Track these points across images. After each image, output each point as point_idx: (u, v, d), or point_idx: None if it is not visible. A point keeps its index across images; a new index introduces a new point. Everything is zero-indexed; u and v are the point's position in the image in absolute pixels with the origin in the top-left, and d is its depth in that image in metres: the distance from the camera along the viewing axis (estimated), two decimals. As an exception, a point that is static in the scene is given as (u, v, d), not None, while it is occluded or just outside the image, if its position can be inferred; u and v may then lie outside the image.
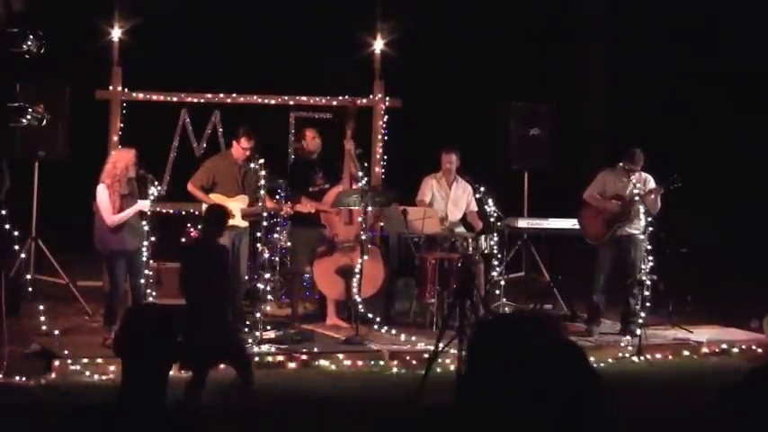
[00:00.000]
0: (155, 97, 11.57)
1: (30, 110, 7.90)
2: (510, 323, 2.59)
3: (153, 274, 9.60)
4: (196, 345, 6.88)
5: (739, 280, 11.81)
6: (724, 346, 10.06)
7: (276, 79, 12.65)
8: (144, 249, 9.20)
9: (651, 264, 10.03)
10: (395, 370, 9.00)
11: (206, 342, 7.10)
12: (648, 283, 9.98)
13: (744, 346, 10.09)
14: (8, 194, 8.28)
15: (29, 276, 10.55)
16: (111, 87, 11.26)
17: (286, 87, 12.02)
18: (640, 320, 9.72)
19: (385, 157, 11.82)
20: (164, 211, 10.99)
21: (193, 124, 11.73)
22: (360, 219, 10.02)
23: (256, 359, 8.61)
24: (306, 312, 10.88)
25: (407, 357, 9.13)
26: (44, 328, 9.32)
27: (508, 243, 11.22)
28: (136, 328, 3.24)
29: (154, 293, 9.48)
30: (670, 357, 9.80)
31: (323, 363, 9.03)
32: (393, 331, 9.94)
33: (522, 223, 11.87)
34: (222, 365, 7.88)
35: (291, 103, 11.94)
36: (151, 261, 9.42)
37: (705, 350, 10.00)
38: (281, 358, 8.93)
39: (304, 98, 11.93)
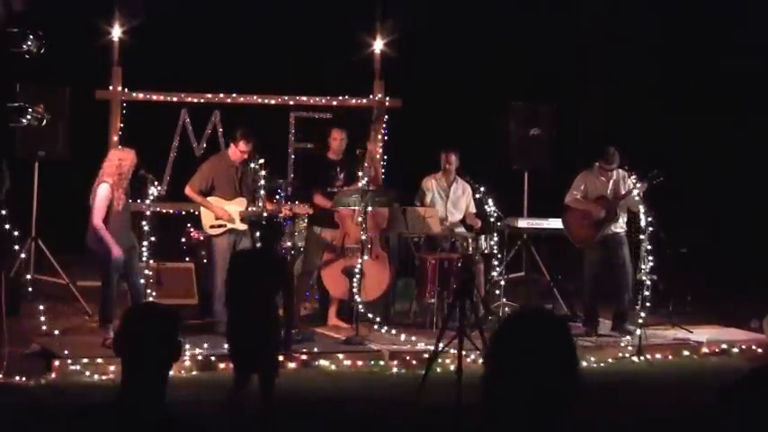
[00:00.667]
0: (155, 97, 11.57)
1: (30, 110, 7.90)
2: (534, 321, 2.58)
3: (153, 274, 9.59)
4: (241, 348, 6.89)
5: (739, 280, 11.80)
6: (724, 346, 10.06)
7: (276, 79, 12.65)
8: (144, 249, 9.20)
9: (651, 264, 10.03)
10: (395, 370, 9.00)
11: (251, 346, 7.05)
12: (648, 283, 9.98)
13: (744, 346, 10.09)
14: (8, 194, 8.29)
15: (29, 276, 10.55)
16: (111, 87, 11.26)
17: (286, 87, 12.02)
18: (640, 320, 9.72)
19: (385, 157, 11.82)
20: (164, 211, 11.00)
21: (193, 124, 11.72)
22: (360, 219, 10.02)
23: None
24: (306, 312, 10.88)
25: (407, 357, 9.14)
26: (44, 328, 9.33)
27: (508, 243, 11.21)
28: (136, 328, 3.24)
29: (154, 293, 9.47)
30: (670, 357, 9.81)
31: (323, 363, 9.03)
32: (393, 331, 9.95)
33: (522, 223, 11.86)
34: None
35: (291, 103, 11.94)
36: (151, 261, 9.42)
37: (705, 350, 10.00)
38: (280, 358, 8.92)
39: (304, 98, 11.93)
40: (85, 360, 8.52)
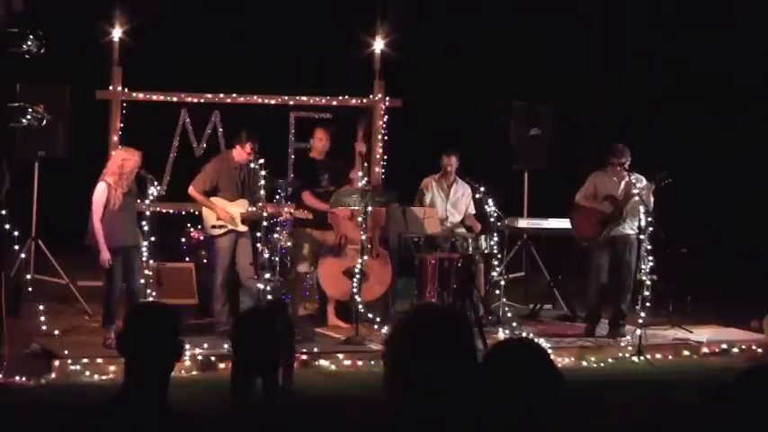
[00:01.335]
0: (155, 97, 11.56)
1: (30, 110, 7.90)
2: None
3: (153, 274, 9.59)
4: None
5: (739, 280, 11.80)
6: (724, 346, 10.06)
7: (276, 79, 12.65)
8: (144, 249, 9.20)
9: (651, 264, 10.02)
10: (395, 370, 8.98)
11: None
12: (648, 283, 9.97)
13: (744, 346, 10.09)
14: (8, 194, 8.29)
15: (29, 276, 10.56)
16: (111, 87, 11.25)
17: (286, 87, 12.02)
18: (640, 320, 9.72)
19: (385, 157, 11.82)
20: (164, 211, 11.00)
21: (193, 124, 11.72)
22: (360, 219, 10.01)
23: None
24: (306, 312, 10.88)
25: (407, 357, 9.12)
26: (44, 328, 9.33)
27: (508, 243, 11.21)
28: (138, 327, 3.24)
29: (154, 293, 9.46)
30: (670, 357, 9.81)
31: (323, 363, 9.03)
32: (393, 331, 9.92)
33: (522, 223, 11.86)
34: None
35: (291, 103, 11.93)
36: (151, 261, 9.41)
37: (705, 350, 10.00)
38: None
39: (304, 98, 11.92)
40: (85, 360, 8.52)
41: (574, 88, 15.34)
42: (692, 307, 11.45)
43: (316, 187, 10.28)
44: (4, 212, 8.39)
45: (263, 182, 9.43)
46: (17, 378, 8.09)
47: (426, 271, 10.22)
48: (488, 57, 14.65)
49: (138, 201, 9.50)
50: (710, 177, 13.62)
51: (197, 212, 10.34)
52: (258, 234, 9.60)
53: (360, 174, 10.27)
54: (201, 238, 11.05)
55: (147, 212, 9.31)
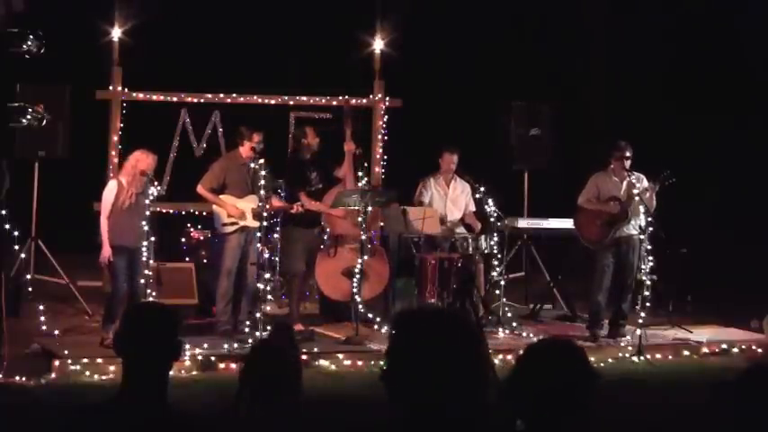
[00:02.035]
0: (155, 97, 11.57)
1: (30, 110, 7.89)
2: (429, 318, 2.65)
3: (153, 274, 9.59)
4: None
5: (739, 280, 11.80)
6: (724, 346, 10.06)
7: (276, 79, 12.65)
8: (144, 249, 9.20)
9: (651, 264, 10.02)
10: (395, 370, 8.98)
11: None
12: (648, 283, 9.97)
13: (744, 346, 10.09)
14: (8, 194, 8.29)
15: (29, 276, 10.57)
16: (111, 87, 11.26)
17: (286, 87, 12.03)
18: (640, 320, 9.71)
19: (385, 157, 11.82)
20: (164, 211, 11.00)
21: (193, 124, 11.73)
22: (360, 219, 10.01)
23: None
24: (306, 312, 10.87)
25: (407, 357, 9.11)
26: (44, 328, 9.33)
27: (508, 243, 11.20)
28: (137, 327, 3.24)
29: (154, 293, 9.46)
30: (670, 357, 9.81)
31: (323, 363, 9.03)
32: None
33: (522, 223, 11.86)
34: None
35: (291, 103, 11.94)
36: (151, 261, 9.41)
37: (705, 350, 10.00)
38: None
39: (304, 98, 11.93)
40: (85, 360, 8.52)
41: (574, 88, 15.35)
42: (692, 307, 11.45)
43: (307, 186, 10.25)
44: (4, 212, 8.39)
45: (263, 182, 9.42)
46: (17, 378, 8.10)
47: (426, 271, 10.22)
48: (488, 57, 14.66)
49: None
50: (710, 177, 13.62)
51: (197, 212, 10.34)
52: (258, 234, 9.58)
53: (348, 173, 10.27)
54: (201, 237, 11.06)
55: (147, 212, 9.31)
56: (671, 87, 14.61)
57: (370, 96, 11.83)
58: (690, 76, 14.40)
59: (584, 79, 15.65)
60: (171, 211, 11.24)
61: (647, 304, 9.85)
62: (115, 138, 11.14)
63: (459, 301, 8.10)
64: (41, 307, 9.48)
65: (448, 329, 2.55)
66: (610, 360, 9.54)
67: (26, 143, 10.74)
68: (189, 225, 11.20)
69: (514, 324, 10.48)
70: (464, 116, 14.10)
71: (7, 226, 8.47)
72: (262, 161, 9.50)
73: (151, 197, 9.28)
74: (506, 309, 10.84)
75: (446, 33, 14.70)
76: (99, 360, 8.49)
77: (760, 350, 10.07)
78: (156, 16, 11.84)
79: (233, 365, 8.44)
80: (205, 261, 10.80)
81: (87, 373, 8.42)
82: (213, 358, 8.75)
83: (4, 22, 7.74)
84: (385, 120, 11.82)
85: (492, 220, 10.15)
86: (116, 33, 11.25)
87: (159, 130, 11.61)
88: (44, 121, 8.16)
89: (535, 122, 12.30)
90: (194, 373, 8.60)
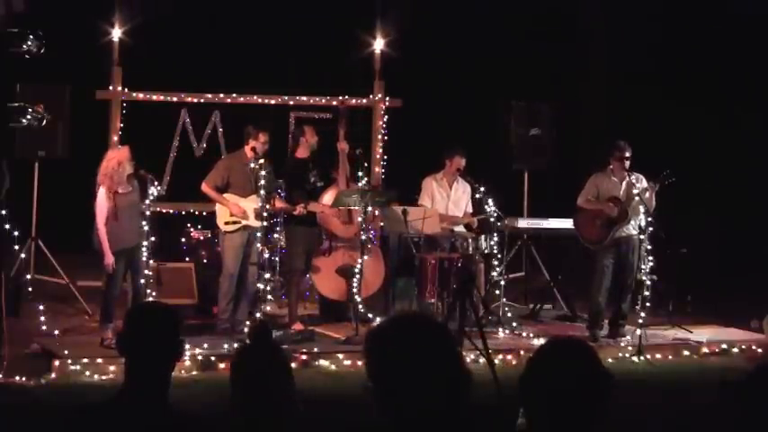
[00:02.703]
0: (155, 97, 11.58)
1: (30, 110, 7.89)
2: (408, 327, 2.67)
3: (153, 274, 9.59)
4: None
5: (739, 280, 11.80)
6: (724, 346, 10.06)
7: (276, 79, 12.65)
8: (144, 249, 9.19)
9: (651, 264, 10.02)
10: (395, 370, 8.97)
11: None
12: (648, 283, 9.97)
13: (744, 346, 10.09)
14: (8, 194, 8.29)
15: (29, 276, 10.57)
16: (111, 87, 11.26)
17: (286, 87, 12.03)
18: (640, 320, 9.71)
19: (385, 157, 11.82)
20: (164, 211, 11.00)
21: (193, 124, 11.73)
22: (360, 218, 10.01)
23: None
24: (306, 312, 10.87)
25: (407, 357, 9.11)
26: (44, 328, 9.33)
27: (508, 243, 11.21)
28: (139, 327, 3.25)
29: (154, 293, 9.46)
30: (670, 357, 9.81)
31: (323, 363, 9.03)
32: (393, 331, 9.91)
33: (522, 223, 11.86)
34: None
35: (291, 103, 11.95)
36: (151, 261, 9.41)
37: (705, 350, 10.00)
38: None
39: (304, 98, 11.93)
40: (85, 360, 8.52)
41: (574, 88, 15.34)
42: (692, 307, 11.45)
43: (306, 185, 10.25)
44: (4, 212, 8.39)
45: (262, 182, 9.42)
46: (17, 378, 8.10)
47: (426, 271, 10.21)
48: (488, 56, 14.65)
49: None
50: (710, 177, 13.61)
51: (197, 212, 10.33)
52: (258, 234, 9.58)
53: (341, 172, 10.27)
54: (201, 237, 11.05)
55: (147, 212, 9.31)
56: (671, 87, 14.60)
57: (370, 96, 11.83)
58: (690, 77, 14.39)
59: (584, 79, 15.64)
60: (171, 211, 11.24)
61: (647, 304, 9.85)
62: (115, 138, 11.14)
63: (459, 301, 8.09)
64: (41, 307, 9.47)
65: (416, 339, 2.62)
66: (610, 360, 9.52)
67: (26, 143, 10.75)
68: (189, 225, 11.20)
69: (514, 324, 10.48)
70: (464, 116, 14.11)
71: (7, 226, 8.47)
72: (262, 161, 9.49)
73: (151, 197, 9.28)
74: (506, 309, 10.84)
75: (446, 33, 14.69)
76: (99, 360, 8.49)
77: (760, 350, 10.07)
78: (156, 16, 11.84)
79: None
80: (205, 261, 10.80)
81: (87, 373, 8.42)
82: (213, 358, 8.74)
83: (4, 22, 7.74)
84: (385, 120, 11.82)
85: (492, 219, 10.15)
86: (116, 33, 11.25)
87: (159, 130, 11.62)
88: (44, 121, 8.15)
89: (535, 122, 12.30)
90: (194, 373, 8.59)
